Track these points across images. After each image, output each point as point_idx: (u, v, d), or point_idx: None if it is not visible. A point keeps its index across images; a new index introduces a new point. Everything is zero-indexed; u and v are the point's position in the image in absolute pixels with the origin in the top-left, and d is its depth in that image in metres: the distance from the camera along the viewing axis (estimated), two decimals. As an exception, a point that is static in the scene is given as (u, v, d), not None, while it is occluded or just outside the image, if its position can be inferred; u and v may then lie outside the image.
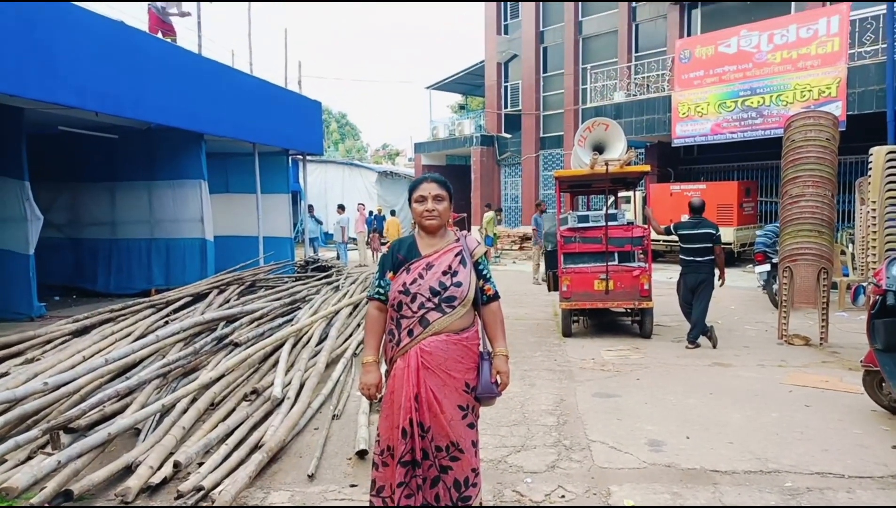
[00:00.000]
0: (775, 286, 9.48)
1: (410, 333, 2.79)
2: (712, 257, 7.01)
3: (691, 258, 7.08)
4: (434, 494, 2.76)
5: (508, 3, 26.01)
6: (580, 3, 22.94)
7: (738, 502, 3.31)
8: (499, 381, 2.86)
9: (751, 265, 12.57)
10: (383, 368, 2.92)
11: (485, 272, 2.95)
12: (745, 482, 3.57)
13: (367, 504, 2.93)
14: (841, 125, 8.53)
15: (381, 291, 2.90)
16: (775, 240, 8.75)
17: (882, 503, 3.29)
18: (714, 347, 6.92)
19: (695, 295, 7.08)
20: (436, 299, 2.78)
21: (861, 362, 4.84)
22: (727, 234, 15.31)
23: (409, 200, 2.96)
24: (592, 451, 4.07)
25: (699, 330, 7.01)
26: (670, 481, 3.59)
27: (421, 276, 2.81)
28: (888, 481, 3.56)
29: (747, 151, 17.33)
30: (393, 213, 19.99)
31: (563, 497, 3.41)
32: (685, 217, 7.44)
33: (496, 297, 2.96)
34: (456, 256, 2.87)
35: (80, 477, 3.56)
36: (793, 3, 17.33)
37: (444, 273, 2.82)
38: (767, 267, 9.50)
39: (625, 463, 3.86)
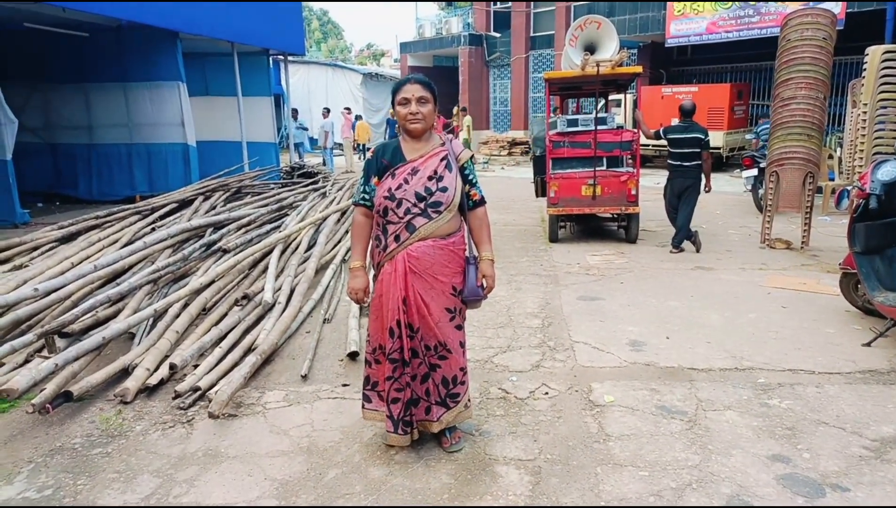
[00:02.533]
0: (761, 191, 9.54)
1: (397, 238, 2.80)
2: (700, 162, 6.99)
3: (679, 163, 7.05)
4: (424, 389, 2.88)
5: None
6: None
7: (712, 397, 3.48)
8: (484, 285, 2.91)
9: (738, 171, 12.57)
10: (371, 273, 2.96)
11: (471, 177, 2.93)
12: (720, 378, 3.74)
13: (360, 400, 3.05)
14: (839, 24, 8.27)
15: (367, 196, 2.89)
16: (764, 144, 8.72)
17: (847, 396, 3.48)
18: (697, 251, 7.03)
19: (681, 200, 7.11)
20: (422, 205, 2.77)
21: (839, 264, 4.96)
22: (717, 138, 15.18)
23: (393, 102, 2.88)
24: (575, 351, 4.22)
25: (683, 235, 7.09)
26: (649, 378, 3.75)
27: (406, 181, 2.79)
28: (855, 376, 3.74)
29: (742, 51, 16.87)
30: (359, 117, 19.58)
31: (546, 394, 3.57)
32: (675, 121, 7.34)
33: (482, 202, 2.96)
34: (441, 160, 2.84)
35: (79, 379, 3.66)
36: None
37: (430, 178, 2.80)
38: (755, 172, 9.51)
39: (606, 362, 4.02)
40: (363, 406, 3.03)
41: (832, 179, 10.06)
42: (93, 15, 9.09)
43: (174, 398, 3.57)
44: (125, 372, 3.89)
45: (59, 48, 10.86)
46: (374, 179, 2.86)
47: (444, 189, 2.79)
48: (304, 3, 15.25)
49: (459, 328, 2.92)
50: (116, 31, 10.43)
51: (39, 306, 4.42)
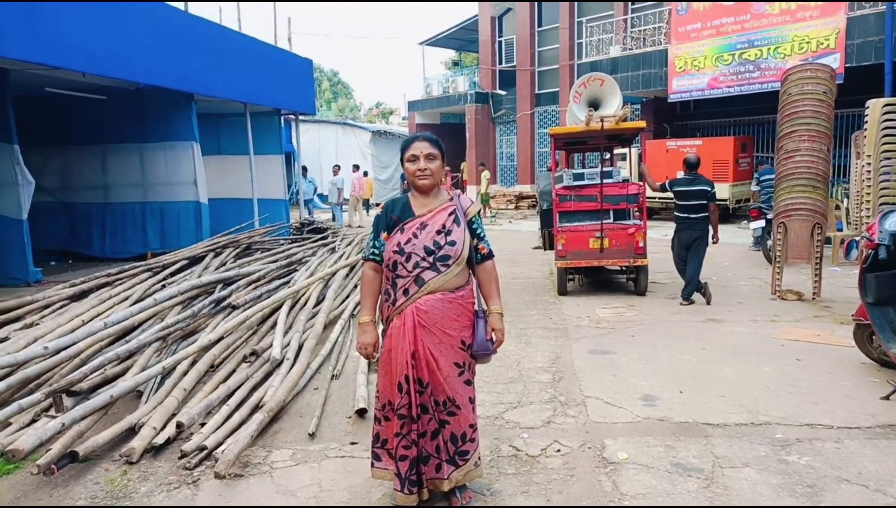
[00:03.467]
0: (769, 242, 9.53)
1: (406, 292, 2.81)
2: (706, 213, 7.02)
3: (686, 215, 7.08)
4: (434, 446, 2.83)
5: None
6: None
7: (729, 454, 3.39)
8: (494, 338, 2.90)
9: (746, 222, 12.60)
10: (380, 328, 2.95)
11: (479, 231, 2.96)
12: (737, 434, 3.65)
13: (369, 459, 3.00)
14: (839, 78, 8.44)
15: (376, 251, 2.92)
16: (771, 195, 8.76)
17: (869, 452, 3.38)
18: (708, 303, 6.99)
19: (689, 252, 7.12)
20: (430, 258, 2.80)
21: (852, 316, 4.91)
22: (723, 190, 15.29)
23: (402, 159, 2.94)
24: (587, 406, 4.15)
25: (693, 287, 7.07)
26: (663, 434, 3.67)
27: (415, 235, 2.82)
28: (875, 431, 3.65)
29: (744, 105, 17.16)
30: (366, 173, 19.95)
31: (558, 451, 3.49)
32: (680, 173, 7.43)
33: (490, 256, 2.98)
34: (450, 215, 2.88)
35: (85, 439, 3.62)
36: (793, -48, 16.92)
37: (439, 232, 2.83)
38: (762, 223, 9.53)
39: (619, 418, 3.94)
40: (372, 465, 2.97)
41: (840, 230, 10.05)
42: (112, 79, 9.42)
43: (180, 458, 3.52)
44: (132, 431, 3.84)
45: (77, 111, 11.20)
46: (384, 234, 2.90)
47: (453, 243, 2.82)
48: (315, 64, 15.73)
49: (469, 383, 2.89)
50: (134, 94, 10.77)
51: (49, 365, 4.43)
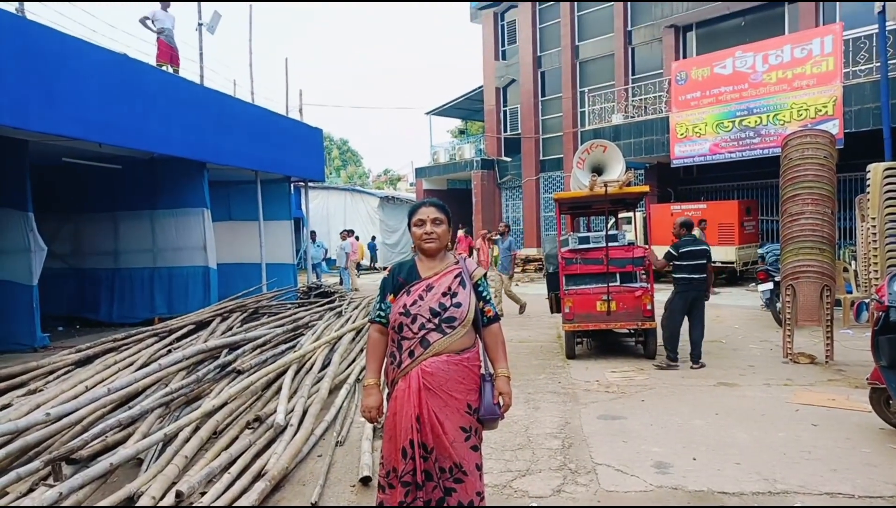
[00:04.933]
0: (779, 305, 9.46)
1: (411, 354, 2.79)
2: (705, 274, 7.10)
3: (690, 276, 7.08)
4: (438, 516, 2.74)
5: (506, 29, 26.37)
6: (576, 28, 23.25)
7: (747, 523, 3.27)
8: (501, 402, 2.86)
9: (753, 284, 12.54)
10: (385, 392, 2.92)
11: (484, 294, 2.96)
12: (754, 503, 3.52)
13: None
14: (839, 143, 8.60)
15: (382, 314, 2.92)
16: (778, 258, 8.76)
17: (893, 522, 3.25)
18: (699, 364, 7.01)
19: (692, 314, 7.09)
20: (436, 320, 2.79)
21: (867, 379, 4.80)
22: (729, 253, 15.34)
23: (409, 224, 2.98)
24: (598, 474, 4.02)
25: (700, 349, 7.02)
26: (677, 503, 3.55)
27: (421, 297, 2.83)
28: (898, 500, 3.51)
29: (746, 170, 17.42)
30: (357, 237, 20.01)
31: (569, 521, 3.37)
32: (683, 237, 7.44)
33: (496, 318, 2.97)
34: (455, 277, 2.89)
35: (82, 509, 3.53)
36: (787, 24, 17.57)
37: (444, 294, 2.83)
38: (770, 285, 9.48)
39: (631, 486, 3.82)
40: (376, 537, 2.87)
41: (850, 292, 9.98)
42: (128, 149, 9.70)
43: (179, 529, 3.41)
44: (130, 500, 3.75)
45: (92, 179, 11.48)
46: (390, 297, 2.91)
47: (458, 305, 2.82)
48: (325, 133, 16.18)
49: (475, 448, 2.82)
50: (148, 163, 11.07)
51: (50, 432, 4.37)
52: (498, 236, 18.52)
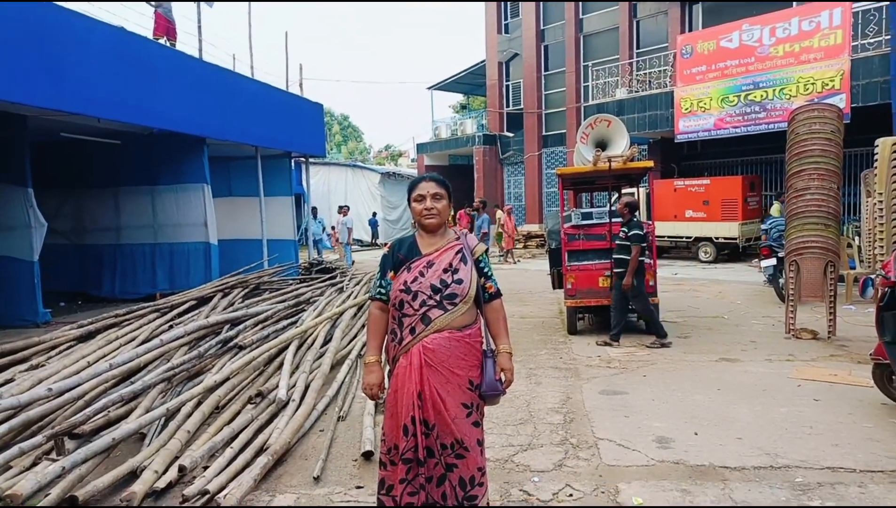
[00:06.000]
0: (781, 280, 9.43)
1: (412, 331, 2.76)
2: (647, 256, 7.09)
3: (621, 257, 7.03)
4: (441, 492, 2.74)
5: (509, 2, 25.97)
6: (580, 1, 22.87)
7: (748, 498, 3.27)
8: (503, 378, 2.84)
9: (756, 260, 12.49)
10: (387, 369, 2.90)
11: (486, 270, 2.92)
12: (755, 477, 3.52)
13: (374, 505, 2.91)
14: (846, 118, 8.47)
15: (383, 290, 2.89)
16: (781, 233, 8.69)
17: (894, 496, 3.25)
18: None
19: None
20: (437, 297, 2.76)
21: (870, 355, 4.78)
22: (732, 229, 15.28)
23: (409, 199, 2.94)
24: (600, 449, 4.03)
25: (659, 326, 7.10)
26: (679, 478, 3.55)
27: (422, 274, 2.79)
28: (900, 475, 3.51)
29: (751, 145, 17.26)
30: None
31: (570, 495, 3.38)
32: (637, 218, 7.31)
33: (498, 294, 2.94)
34: (457, 253, 2.85)
35: (85, 483, 3.55)
36: (794, -4, 17.26)
37: (445, 271, 2.80)
38: (773, 261, 9.44)
39: (633, 461, 3.82)
40: (377, 512, 2.88)
41: (853, 268, 9.94)
42: (127, 124, 9.61)
43: (182, 503, 3.43)
44: (133, 474, 3.76)
45: (92, 155, 11.41)
46: (391, 274, 2.87)
47: (460, 281, 2.79)
48: (326, 109, 16.03)
49: (477, 424, 2.81)
50: (147, 138, 10.98)
51: (52, 407, 4.38)
52: (473, 212, 18.51)
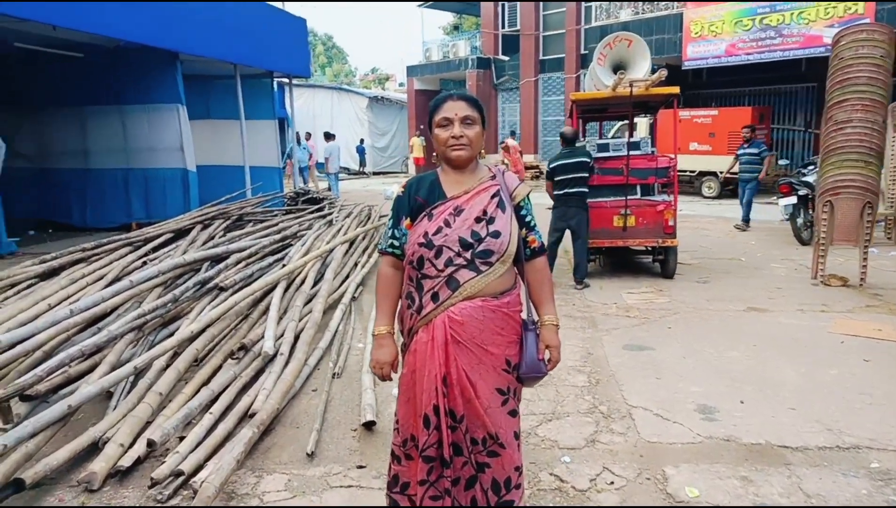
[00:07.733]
0: (799, 220, 8.90)
1: (435, 297, 2.14)
2: (586, 189, 6.52)
3: (568, 191, 6.50)
4: (469, 496, 2.19)
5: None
6: (585, -90, 21.20)
7: (822, 490, 2.78)
8: (547, 357, 2.25)
9: (775, 198, 11.90)
10: (400, 341, 2.30)
11: (528, 219, 2.28)
12: (823, 461, 3.03)
13: (378, 489, 2.37)
14: None
15: (396, 243, 2.25)
16: (799, 170, 8.10)
17: None
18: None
19: (574, 233, 6.62)
20: (468, 254, 2.12)
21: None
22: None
23: (430, 124, 2.25)
24: (635, 420, 3.52)
25: (584, 269, 6.73)
26: (734, 460, 3.05)
27: (447, 224, 2.14)
28: None
29: (762, 74, 16.34)
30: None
31: (611, 483, 2.87)
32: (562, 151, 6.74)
33: (542, 250, 2.30)
34: (493, 197, 2.19)
35: (36, 459, 2.99)
36: None
37: (478, 220, 2.15)
38: (794, 199, 8.85)
39: (676, 437, 3.32)
40: (390, 517, 2.33)
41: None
42: (87, 34, 8.57)
43: (151, 487, 2.89)
44: (95, 447, 3.21)
45: (52, 70, 10.36)
46: (406, 222, 2.22)
47: (497, 234, 2.14)
48: (308, 28, 14.82)
49: (514, 413, 2.23)
50: (113, 52, 9.92)
51: (3, 361, 3.77)
52: None
